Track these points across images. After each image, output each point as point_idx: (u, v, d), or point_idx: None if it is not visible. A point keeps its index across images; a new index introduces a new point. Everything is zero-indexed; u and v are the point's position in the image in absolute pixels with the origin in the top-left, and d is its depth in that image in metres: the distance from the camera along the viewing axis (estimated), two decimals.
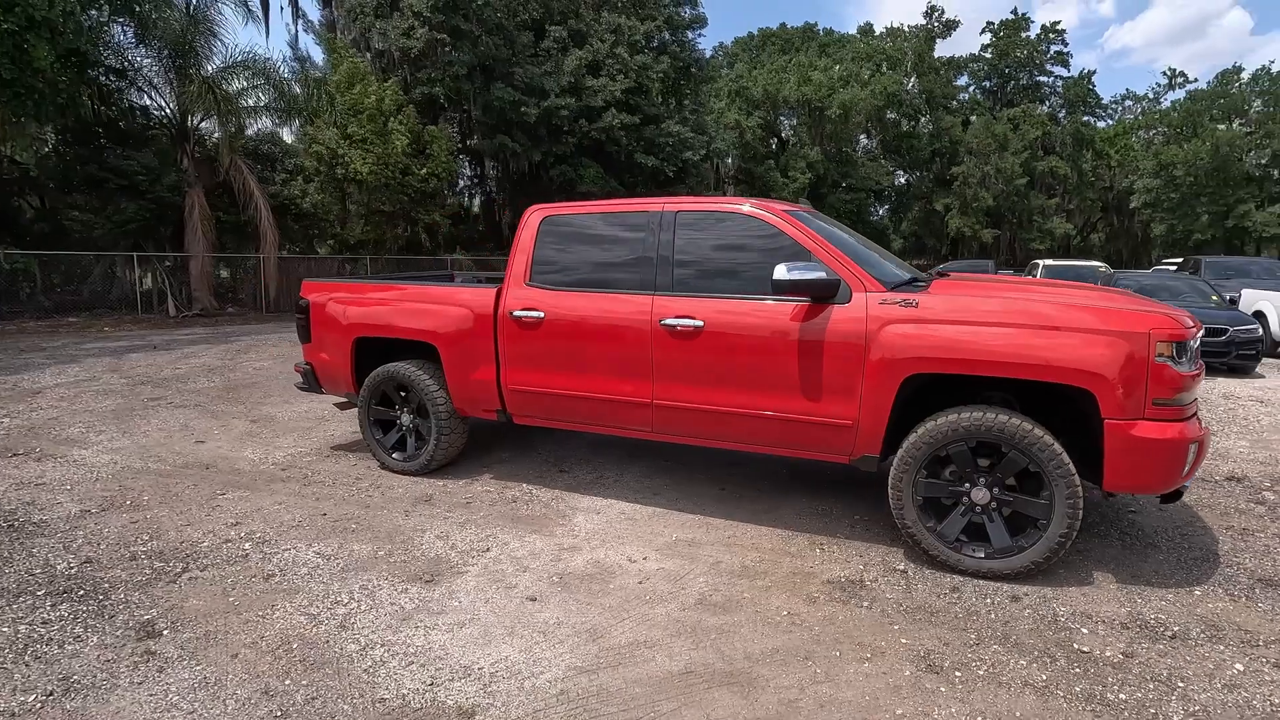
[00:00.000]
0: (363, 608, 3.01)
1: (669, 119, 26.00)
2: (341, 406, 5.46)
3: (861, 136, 42.60)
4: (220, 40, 17.14)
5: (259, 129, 20.87)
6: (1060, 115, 45.12)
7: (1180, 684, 2.48)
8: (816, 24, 46.65)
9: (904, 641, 2.76)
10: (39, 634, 2.79)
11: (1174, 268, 11.78)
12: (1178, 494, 3.19)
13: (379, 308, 4.76)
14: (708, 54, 31.26)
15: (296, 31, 34.75)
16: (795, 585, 3.23)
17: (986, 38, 47.23)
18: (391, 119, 20.39)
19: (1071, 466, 3.05)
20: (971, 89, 47.88)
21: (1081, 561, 3.44)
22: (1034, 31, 45.78)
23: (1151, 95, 49.08)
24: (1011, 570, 3.20)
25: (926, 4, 44.87)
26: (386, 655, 2.66)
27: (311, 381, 5.16)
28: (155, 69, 16.85)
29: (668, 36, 27.77)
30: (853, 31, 46.88)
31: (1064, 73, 46.31)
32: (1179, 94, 46.00)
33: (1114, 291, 4.17)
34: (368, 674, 2.54)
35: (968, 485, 3.28)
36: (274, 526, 3.88)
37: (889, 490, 3.42)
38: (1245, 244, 39.53)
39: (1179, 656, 2.65)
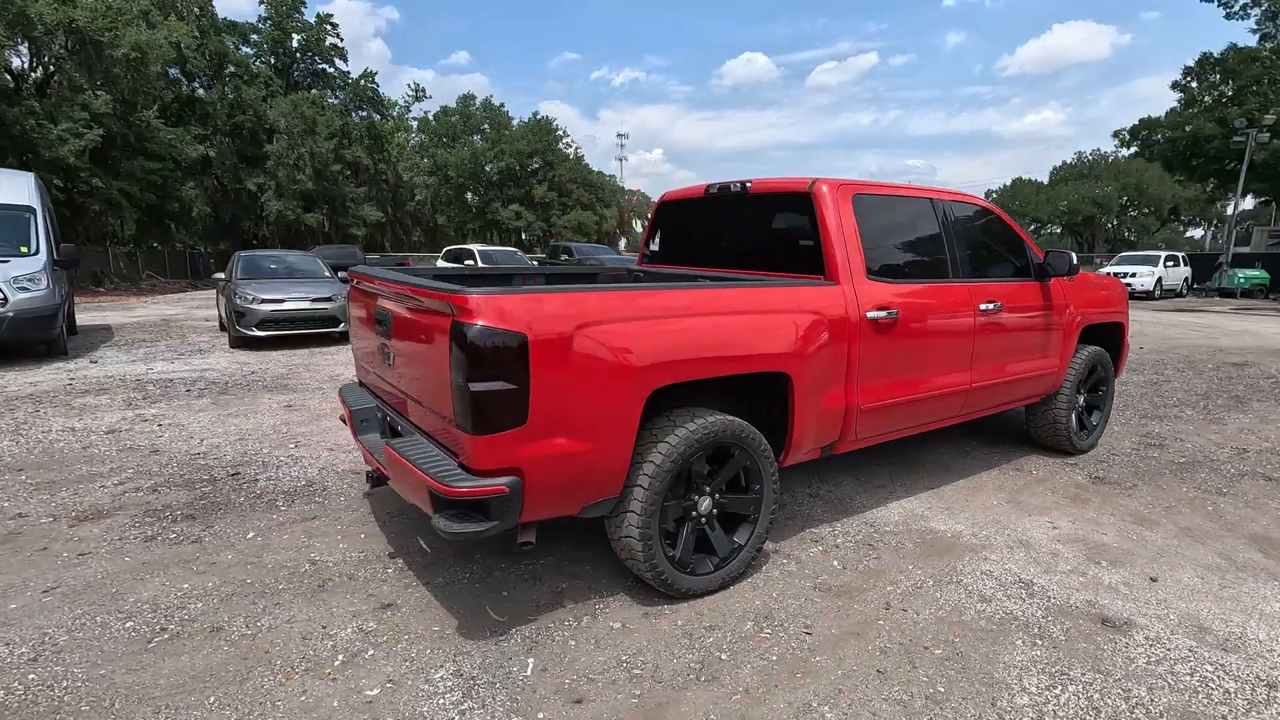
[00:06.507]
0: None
1: None
2: (523, 544, 2.61)
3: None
4: None
5: None
6: (351, 109, 47.76)
7: None
8: None
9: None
10: None
11: None
12: None
13: (693, 329, 2.71)
14: None
15: None
16: (1113, 500, 4.27)
17: (265, 9, 45.07)
18: None
19: None
20: (257, 61, 45.06)
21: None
22: (310, 16, 46.42)
23: (404, 104, 58.01)
24: (1091, 445, 5.14)
25: None
26: None
27: (508, 509, 2.38)
28: None
29: None
30: None
31: (345, 67, 48.80)
32: (427, 105, 56.02)
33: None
34: None
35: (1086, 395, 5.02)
36: None
37: (1052, 413, 4.79)
38: (498, 233, 52.25)
39: None
